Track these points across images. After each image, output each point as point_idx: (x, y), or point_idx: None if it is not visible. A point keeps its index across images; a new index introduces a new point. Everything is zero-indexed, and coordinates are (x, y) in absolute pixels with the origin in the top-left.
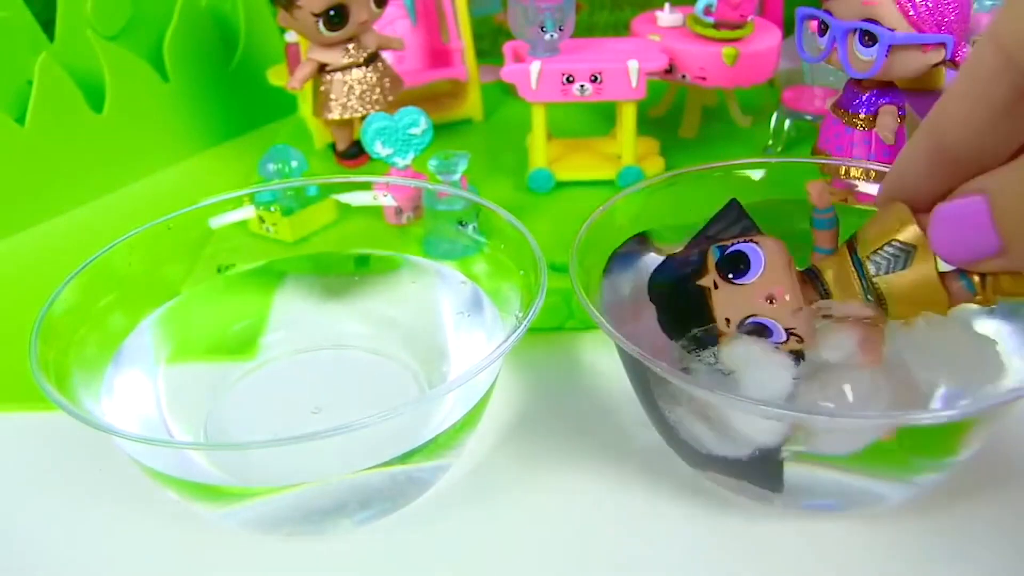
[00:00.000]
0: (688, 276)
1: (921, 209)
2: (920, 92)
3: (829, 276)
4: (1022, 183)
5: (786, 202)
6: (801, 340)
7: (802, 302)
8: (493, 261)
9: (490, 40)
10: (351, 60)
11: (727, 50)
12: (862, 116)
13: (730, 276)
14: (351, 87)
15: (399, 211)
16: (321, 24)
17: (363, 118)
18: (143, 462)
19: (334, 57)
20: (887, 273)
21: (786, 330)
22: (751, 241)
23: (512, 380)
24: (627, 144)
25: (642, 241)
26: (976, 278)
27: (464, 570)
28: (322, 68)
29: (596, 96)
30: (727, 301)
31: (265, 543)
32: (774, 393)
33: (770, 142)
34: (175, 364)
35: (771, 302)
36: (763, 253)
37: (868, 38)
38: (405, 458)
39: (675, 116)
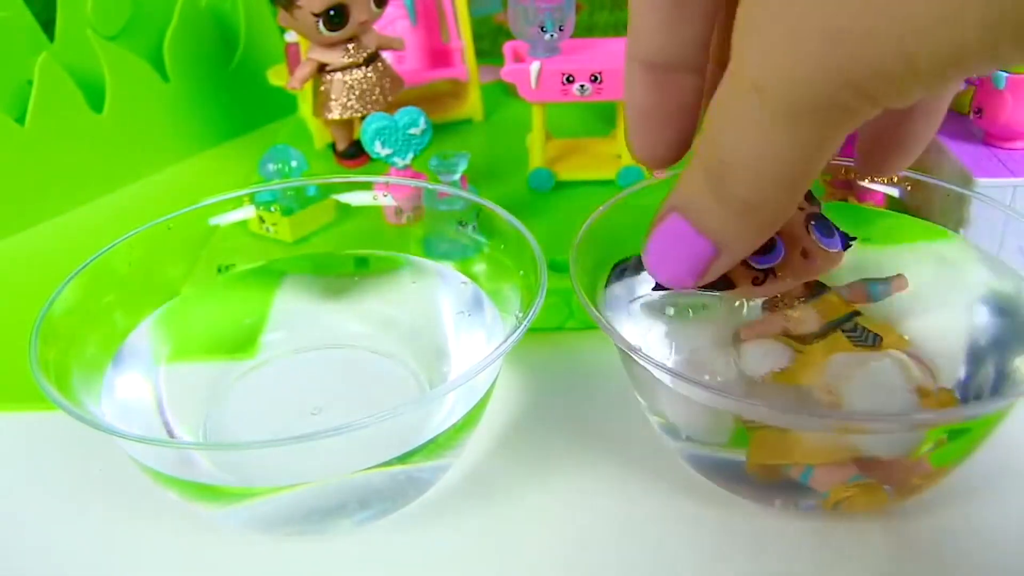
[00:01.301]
0: None
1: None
2: None
3: None
4: (698, 184)
5: None
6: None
7: None
8: (493, 261)
9: (490, 40)
10: (351, 60)
11: None
12: None
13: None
14: (351, 87)
15: (399, 211)
16: (321, 24)
17: (363, 118)
18: (143, 462)
19: (334, 57)
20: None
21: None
22: None
23: (512, 380)
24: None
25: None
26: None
27: (464, 570)
28: (322, 68)
29: (596, 96)
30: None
31: (265, 543)
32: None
33: None
34: (175, 364)
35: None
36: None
37: None
38: (405, 458)
39: None
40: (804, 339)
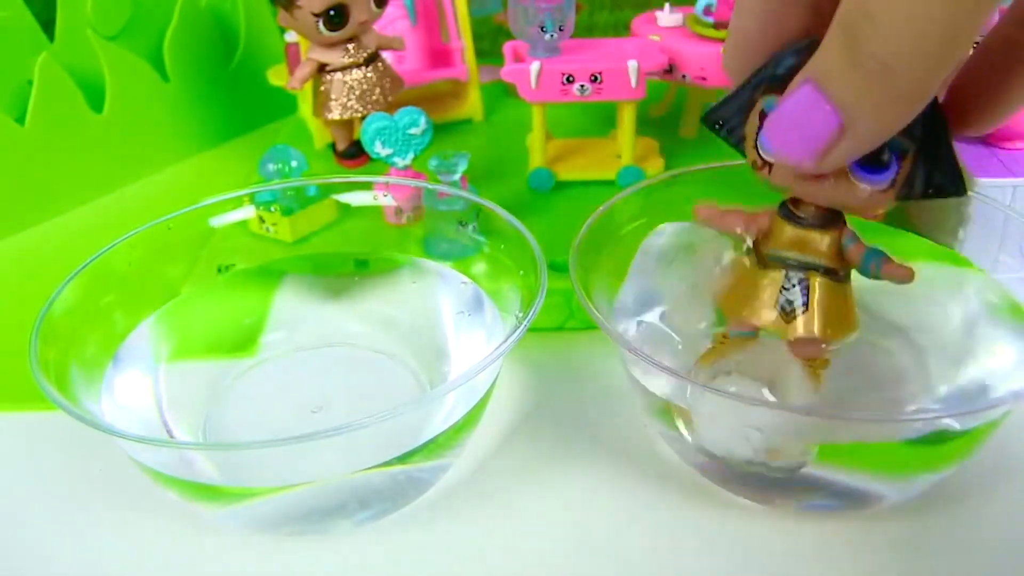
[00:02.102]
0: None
1: None
2: None
3: None
4: (834, 44)
5: None
6: None
7: None
8: (493, 261)
9: (490, 40)
10: (351, 60)
11: None
12: None
13: None
14: (351, 87)
15: (399, 211)
16: (321, 24)
17: (363, 118)
18: (143, 462)
19: (334, 57)
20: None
21: None
22: None
23: (512, 380)
24: (627, 144)
25: None
26: None
27: (464, 570)
28: (322, 68)
29: (596, 96)
30: None
31: (265, 543)
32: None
33: None
34: (175, 364)
35: None
36: None
37: None
38: (405, 458)
39: (675, 116)
40: (756, 254)
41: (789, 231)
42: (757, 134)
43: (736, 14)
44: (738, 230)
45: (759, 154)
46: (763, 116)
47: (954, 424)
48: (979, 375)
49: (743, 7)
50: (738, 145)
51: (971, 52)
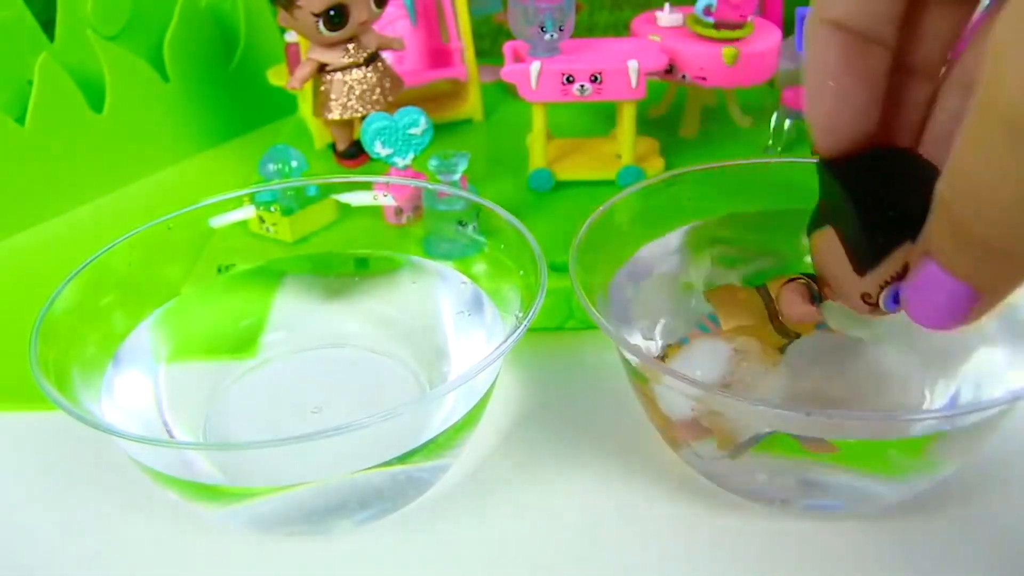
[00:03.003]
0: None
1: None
2: None
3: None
4: (945, 225)
5: (785, 212)
6: None
7: None
8: (493, 261)
9: (490, 40)
10: (351, 60)
11: (727, 50)
12: None
13: None
14: (351, 87)
15: (399, 211)
16: (321, 24)
17: (363, 118)
18: (143, 462)
19: (334, 57)
20: None
21: None
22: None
23: (512, 380)
24: (627, 144)
25: None
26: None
27: (464, 570)
28: (322, 68)
29: (596, 96)
30: None
31: (265, 543)
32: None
33: (770, 142)
34: (175, 364)
35: None
36: None
37: None
38: (405, 458)
39: (675, 116)
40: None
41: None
42: (887, 283)
43: (810, 54)
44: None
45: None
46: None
47: (945, 426)
48: (975, 375)
49: (814, 46)
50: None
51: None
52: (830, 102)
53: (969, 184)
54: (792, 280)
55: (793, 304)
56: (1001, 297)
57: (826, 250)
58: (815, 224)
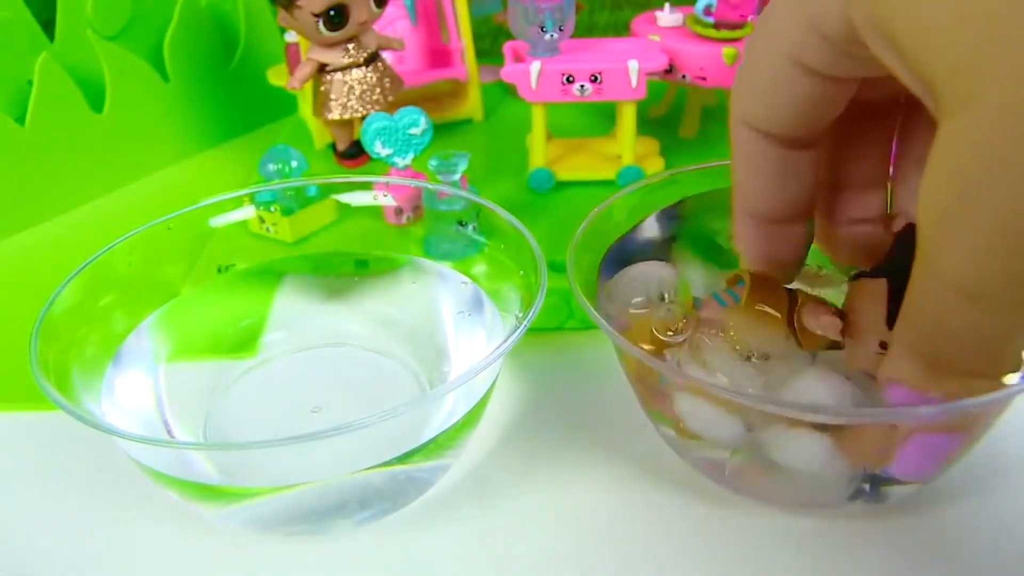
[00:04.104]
0: None
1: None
2: None
3: None
4: (915, 359)
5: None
6: None
7: None
8: (493, 261)
9: (490, 40)
10: (351, 60)
11: (727, 50)
12: None
13: None
14: (351, 87)
15: (399, 211)
16: (321, 24)
17: (363, 118)
18: (143, 462)
19: (334, 57)
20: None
21: None
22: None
23: (512, 380)
24: (627, 144)
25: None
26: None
27: (464, 570)
28: (322, 68)
29: (596, 96)
30: None
31: (265, 543)
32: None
33: None
34: (175, 364)
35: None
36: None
37: None
38: (405, 458)
39: (675, 116)
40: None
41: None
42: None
43: (737, 237)
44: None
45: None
46: None
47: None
48: None
49: (739, 231)
50: None
51: None
52: (758, 192)
53: (931, 339)
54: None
55: (818, 313)
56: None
57: (868, 297)
58: (869, 274)
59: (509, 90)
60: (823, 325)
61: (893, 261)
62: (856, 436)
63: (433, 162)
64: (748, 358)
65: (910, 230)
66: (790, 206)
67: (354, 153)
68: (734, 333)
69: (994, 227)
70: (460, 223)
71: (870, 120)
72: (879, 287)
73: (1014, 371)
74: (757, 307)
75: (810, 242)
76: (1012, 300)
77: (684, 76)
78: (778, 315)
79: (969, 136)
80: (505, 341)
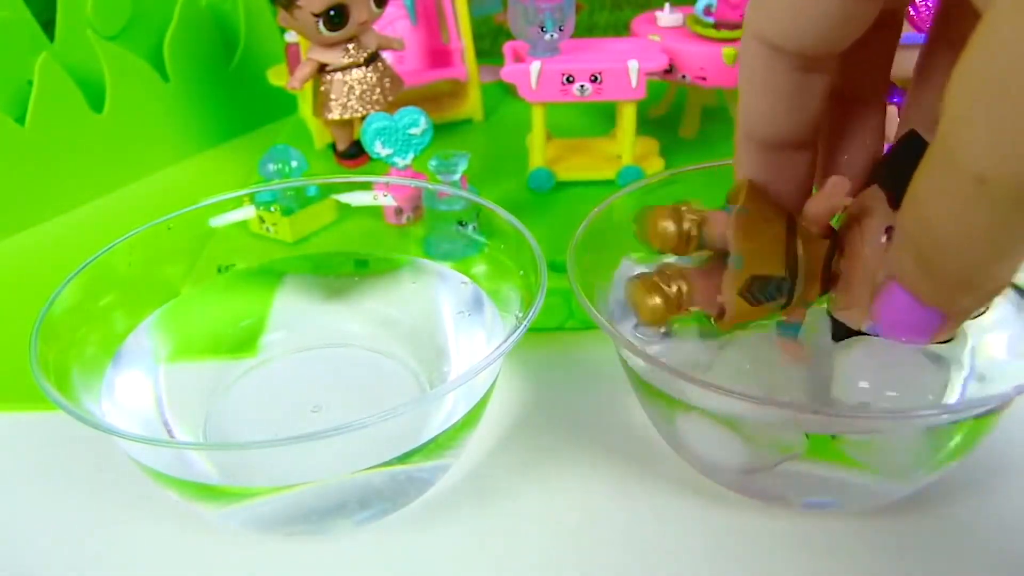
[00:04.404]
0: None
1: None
2: None
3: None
4: (911, 263)
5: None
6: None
7: None
8: (493, 261)
9: (490, 40)
10: (351, 60)
11: (727, 50)
12: None
13: None
14: (351, 87)
15: (399, 211)
16: (321, 24)
17: (363, 118)
18: (143, 462)
19: (334, 57)
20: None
21: None
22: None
23: (512, 380)
24: (627, 144)
25: None
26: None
27: (464, 570)
28: (322, 68)
29: (596, 96)
30: None
31: (265, 543)
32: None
33: None
34: (175, 364)
35: None
36: None
37: None
38: (405, 458)
39: (675, 116)
40: None
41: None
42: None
43: (738, 166)
44: None
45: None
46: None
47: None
48: (973, 371)
49: (741, 159)
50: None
51: None
52: (764, 114)
53: (935, 231)
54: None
55: (819, 199)
56: (969, 316)
57: (868, 198)
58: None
59: (509, 90)
60: (829, 209)
61: (891, 166)
62: (844, 288)
63: (433, 162)
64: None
65: (909, 136)
66: (798, 130)
67: (354, 153)
68: (735, 241)
69: (1008, 119)
70: (460, 223)
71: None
72: (875, 191)
73: (999, 291)
74: (755, 210)
75: (814, 175)
76: (1018, 192)
77: (684, 76)
78: (779, 220)
79: (1014, 17)
80: (505, 341)
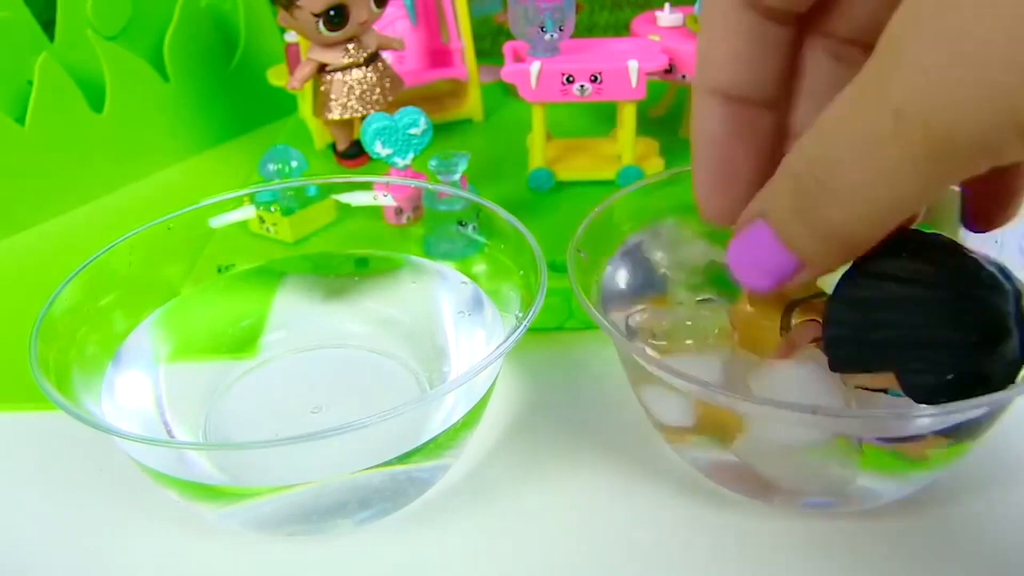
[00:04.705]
0: None
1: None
2: None
3: None
4: (787, 198)
5: None
6: None
7: None
8: (493, 261)
9: (490, 40)
10: (351, 60)
11: None
12: None
13: None
14: (351, 87)
15: (399, 211)
16: (321, 24)
17: (363, 118)
18: (143, 462)
19: (334, 57)
20: None
21: None
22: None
23: (512, 380)
24: (627, 144)
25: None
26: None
27: (464, 570)
28: (322, 68)
29: (596, 96)
30: None
31: (265, 543)
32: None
33: None
34: (175, 364)
35: None
36: None
37: None
38: (405, 458)
39: (675, 116)
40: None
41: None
42: None
43: (696, 126)
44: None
45: None
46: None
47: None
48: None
49: (700, 116)
50: None
51: None
52: (715, 185)
53: (829, 170)
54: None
55: (803, 337)
56: (823, 273)
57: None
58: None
59: (509, 90)
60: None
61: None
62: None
63: (433, 162)
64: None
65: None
66: (760, 85)
67: (354, 153)
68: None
69: (941, 54)
70: (460, 223)
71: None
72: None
73: (863, 249)
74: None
75: (776, 143)
76: (934, 136)
77: (684, 76)
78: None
79: None
80: (505, 341)
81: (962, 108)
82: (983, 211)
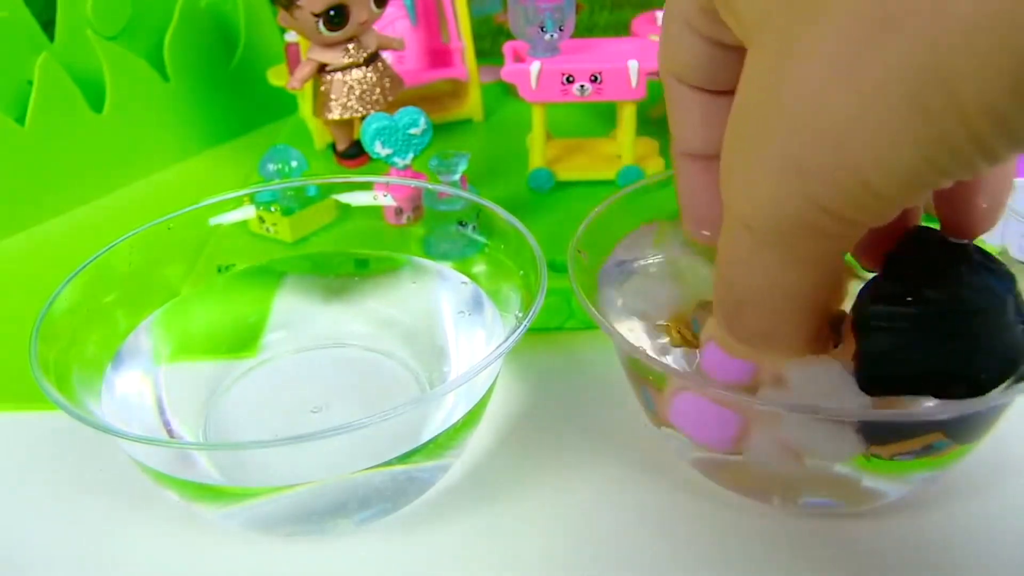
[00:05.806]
0: None
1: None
2: None
3: None
4: (720, 312)
5: None
6: None
7: None
8: (493, 261)
9: (490, 40)
10: (351, 60)
11: None
12: None
13: None
14: (351, 87)
15: (399, 211)
16: (321, 24)
17: (363, 118)
18: (143, 462)
19: (334, 57)
20: None
21: None
22: None
23: (512, 380)
24: (627, 144)
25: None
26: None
27: (465, 570)
28: (322, 68)
29: (596, 96)
30: None
31: (265, 543)
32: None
33: None
34: (175, 364)
35: None
36: None
37: None
38: (405, 458)
39: None
40: None
41: None
42: None
43: (676, 179)
44: None
45: None
46: None
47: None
48: None
49: (677, 173)
50: None
51: None
52: (702, 215)
53: (730, 286)
54: None
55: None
56: (782, 363)
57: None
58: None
59: (509, 90)
60: None
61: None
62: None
63: (433, 162)
64: None
65: (916, 232)
66: (708, 145)
67: (354, 153)
68: None
69: (756, 172)
70: (460, 223)
71: None
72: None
73: (804, 341)
74: None
75: None
76: (776, 232)
77: None
78: None
79: (745, 73)
80: (505, 341)
81: (783, 208)
82: (953, 225)
